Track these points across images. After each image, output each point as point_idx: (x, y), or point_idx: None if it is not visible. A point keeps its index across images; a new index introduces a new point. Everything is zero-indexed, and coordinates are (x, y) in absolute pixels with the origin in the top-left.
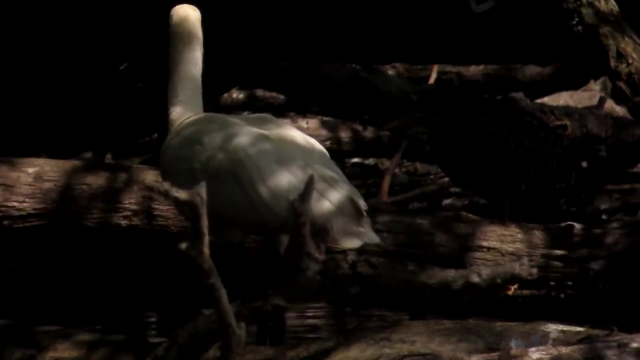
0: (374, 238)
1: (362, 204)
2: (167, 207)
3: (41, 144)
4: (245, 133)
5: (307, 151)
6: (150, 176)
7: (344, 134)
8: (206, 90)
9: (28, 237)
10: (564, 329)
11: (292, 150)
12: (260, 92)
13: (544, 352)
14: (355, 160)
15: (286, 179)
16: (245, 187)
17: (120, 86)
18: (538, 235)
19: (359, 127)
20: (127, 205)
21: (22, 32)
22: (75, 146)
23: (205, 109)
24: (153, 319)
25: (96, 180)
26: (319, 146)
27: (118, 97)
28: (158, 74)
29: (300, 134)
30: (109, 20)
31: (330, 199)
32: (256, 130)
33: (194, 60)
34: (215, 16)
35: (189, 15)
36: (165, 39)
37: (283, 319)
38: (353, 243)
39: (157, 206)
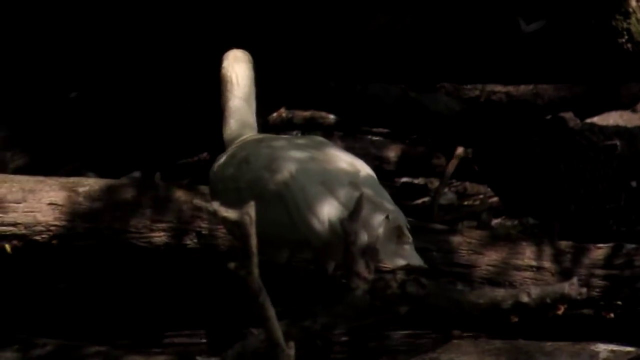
0: (416, 259)
1: (404, 223)
2: (216, 227)
3: (90, 164)
4: (292, 154)
5: (353, 173)
6: (200, 196)
7: (393, 154)
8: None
9: (78, 256)
10: (614, 348)
11: (338, 171)
12: (309, 112)
13: None
14: (405, 179)
15: (330, 200)
16: (289, 207)
17: (169, 105)
18: (588, 255)
19: (408, 147)
20: (177, 225)
21: (70, 52)
22: (124, 166)
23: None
24: (202, 339)
25: (145, 200)
26: (366, 168)
27: (167, 116)
28: (206, 93)
29: (347, 156)
30: (157, 40)
31: (371, 219)
32: (302, 151)
33: (246, 95)
34: (264, 36)
35: (239, 60)
36: (215, 59)
37: (330, 338)
38: (394, 262)
39: (206, 225)
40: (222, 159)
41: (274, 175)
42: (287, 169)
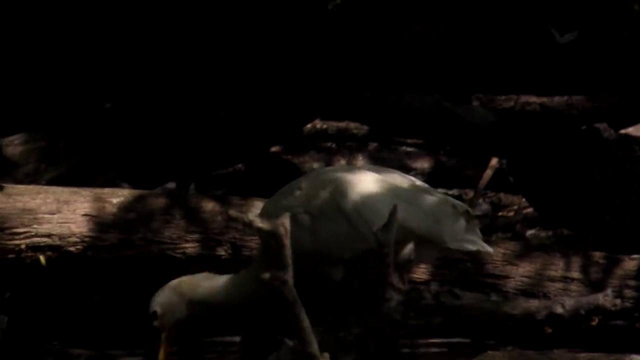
0: (484, 245)
1: (469, 209)
2: (252, 238)
3: (124, 175)
4: (344, 171)
5: (406, 181)
6: (234, 207)
7: (427, 165)
8: (289, 121)
9: (111, 267)
10: None
11: (390, 178)
12: (343, 123)
13: None
14: (439, 190)
15: (391, 202)
16: (351, 217)
17: (203, 116)
18: (622, 266)
19: (442, 158)
20: (211, 236)
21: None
22: (159, 177)
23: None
24: (235, 349)
25: (180, 211)
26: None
27: (201, 128)
28: (241, 104)
29: (397, 173)
30: (193, 53)
31: (435, 208)
32: (354, 168)
33: None
34: (300, 48)
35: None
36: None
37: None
38: (467, 247)
39: (241, 237)
40: (276, 195)
41: (331, 190)
42: (344, 181)
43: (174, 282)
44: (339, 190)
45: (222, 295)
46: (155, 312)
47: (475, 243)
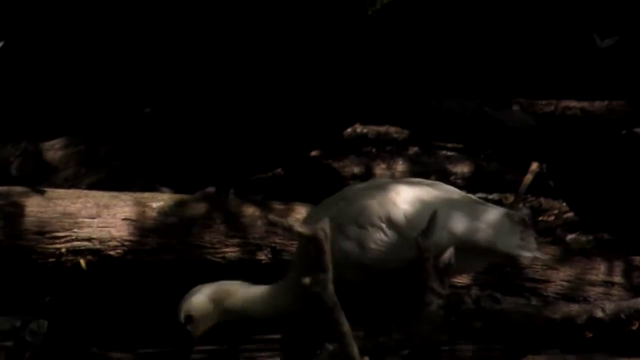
0: (538, 253)
1: (523, 216)
2: (292, 243)
3: (164, 179)
4: (391, 183)
5: (456, 192)
6: (274, 211)
7: (467, 169)
8: (329, 125)
9: (151, 271)
10: None
11: (438, 189)
12: (384, 127)
13: None
14: (480, 195)
15: (443, 212)
16: (399, 226)
17: (243, 121)
18: None
19: (483, 162)
20: (251, 240)
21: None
22: (198, 181)
23: (328, 144)
24: (277, 354)
25: (219, 215)
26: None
27: (241, 132)
28: (280, 108)
29: (442, 184)
30: (231, 58)
31: (487, 218)
32: (399, 181)
33: None
34: (340, 52)
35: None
36: (290, 75)
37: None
38: (519, 253)
39: (281, 241)
40: (311, 211)
41: (378, 200)
42: (391, 190)
43: (209, 288)
44: (390, 201)
45: (259, 306)
46: (189, 316)
47: (531, 250)
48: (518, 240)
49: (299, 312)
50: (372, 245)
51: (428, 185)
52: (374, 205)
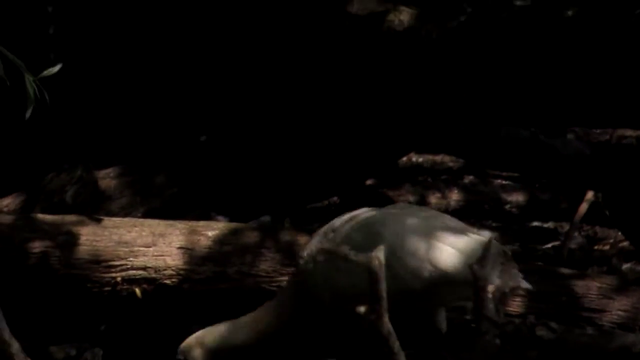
0: (522, 281)
1: (505, 249)
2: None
3: (220, 207)
4: (372, 212)
5: (444, 218)
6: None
7: (522, 198)
8: (384, 154)
9: (207, 300)
10: None
11: (422, 215)
12: (439, 156)
13: None
14: (534, 223)
15: (427, 242)
16: (389, 260)
17: (298, 149)
18: None
19: (538, 191)
20: None
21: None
22: (254, 210)
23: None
24: None
25: (275, 244)
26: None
27: (296, 161)
28: (336, 136)
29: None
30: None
31: (469, 248)
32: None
33: None
34: (396, 80)
35: None
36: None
37: None
38: (503, 284)
39: None
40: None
41: (365, 231)
42: (375, 225)
43: (201, 331)
44: (376, 234)
45: (241, 334)
46: None
47: (515, 280)
48: (498, 273)
49: (284, 337)
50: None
51: (415, 213)
52: (358, 237)
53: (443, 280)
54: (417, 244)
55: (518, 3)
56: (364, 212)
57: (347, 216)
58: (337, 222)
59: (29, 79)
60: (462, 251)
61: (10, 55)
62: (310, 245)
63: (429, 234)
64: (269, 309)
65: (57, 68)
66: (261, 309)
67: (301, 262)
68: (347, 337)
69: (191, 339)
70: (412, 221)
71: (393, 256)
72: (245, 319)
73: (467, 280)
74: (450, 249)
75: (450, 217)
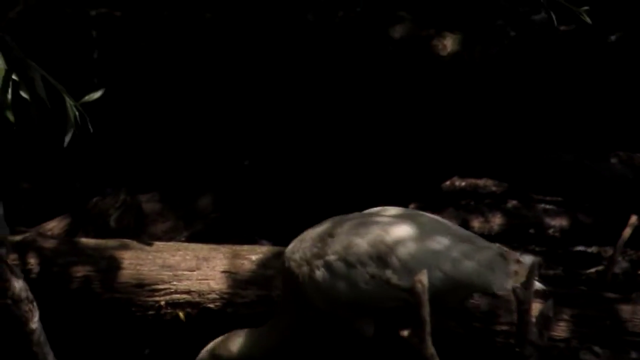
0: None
1: (514, 253)
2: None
3: (263, 231)
4: (372, 217)
5: (446, 225)
6: None
7: (566, 222)
8: (427, 177)
9: (251, 324)
10: None
11: (428, 222)
12: (482, 180)
13: None
14: (578, 248)
15: (432, 248)
16: (392, 267)
17: (340, 174)
18: None
19: (581, 215)
20: None
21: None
22: (297, 234)
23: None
24: None
25: None
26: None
27: (339, 185)
28: (379, 160)
29: (432, 216)
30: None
31: (481, 256)
32: (386, 215)
33: None
34: (437, 104)
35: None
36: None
37: None
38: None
39: None
40: (294, 246)
41: (367, 239)
42: (379, 229)
43: (215, 341)
44: (380, 241)
45: (248, 348)
46: None
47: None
48: (510, 280)
49: (287, 353)
50: (363, 285)
51: (413, 218)
52: (363, 243)
53: (453, 287)
54: (426, 254)
55: (562, 28)
56: (361, 216)
57: (342, 218)
58: (334, 226)
59: (70, 103)
60: (472, 259)
61: (52, 79)
62: (303, 249)
63: (435, 241)
64: (272, 325)
65: (98, 93)
66: (267, 324)
67: (292, 264)
68: (341, 340)
69: (203, 354)
70: (415, 228)
71: (401, 265)
72: (251, 334)
73: (471, 284)
74: (457, 257)
75: (450, 224)
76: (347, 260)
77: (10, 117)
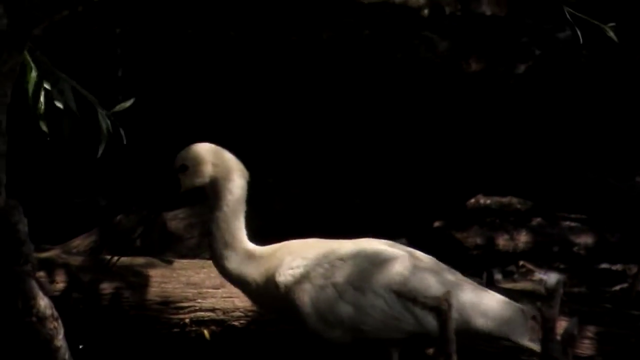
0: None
1: (536, 314)
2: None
3: None
4: (378, 247)
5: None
6: None
7: (590, 240)
8: (452, 195)
9: (275, 342)
10: None
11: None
12: (507, 198)
13: None
14: (603, 266)
15: (429, 280)
16: (405, 298)
17: (366, 191)
18: None
19: (606, 233)
20: None
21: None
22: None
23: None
24: None
25: None
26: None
27: (364, 202)
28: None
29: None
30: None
31: (491, 303)
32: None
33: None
34: (463, 122)
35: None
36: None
37: None
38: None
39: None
40: (297, 263)
41: (378, 267)
42: (393, 260)
43: (211, 147)
44: (394, 271)
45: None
46: (184, 165)
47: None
48: (525, 330)
49: None
50: (371, 312)
51: (415, 256)
52: (375, 271)
53: (465, 332)
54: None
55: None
56: (367, 244)
57: (349, 243)
58: (340, 248)
59: (102, 113)
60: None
61: (84, 90)
62: (305, 265)
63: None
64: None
65: (129, 103)
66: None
67: (290, 279)
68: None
69: (201, 151)
70: (426, 265)
71: (414, 298)
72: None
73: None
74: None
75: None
76: (356, 286)
77: (44, 127)
